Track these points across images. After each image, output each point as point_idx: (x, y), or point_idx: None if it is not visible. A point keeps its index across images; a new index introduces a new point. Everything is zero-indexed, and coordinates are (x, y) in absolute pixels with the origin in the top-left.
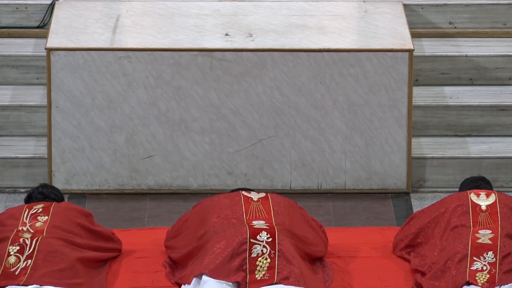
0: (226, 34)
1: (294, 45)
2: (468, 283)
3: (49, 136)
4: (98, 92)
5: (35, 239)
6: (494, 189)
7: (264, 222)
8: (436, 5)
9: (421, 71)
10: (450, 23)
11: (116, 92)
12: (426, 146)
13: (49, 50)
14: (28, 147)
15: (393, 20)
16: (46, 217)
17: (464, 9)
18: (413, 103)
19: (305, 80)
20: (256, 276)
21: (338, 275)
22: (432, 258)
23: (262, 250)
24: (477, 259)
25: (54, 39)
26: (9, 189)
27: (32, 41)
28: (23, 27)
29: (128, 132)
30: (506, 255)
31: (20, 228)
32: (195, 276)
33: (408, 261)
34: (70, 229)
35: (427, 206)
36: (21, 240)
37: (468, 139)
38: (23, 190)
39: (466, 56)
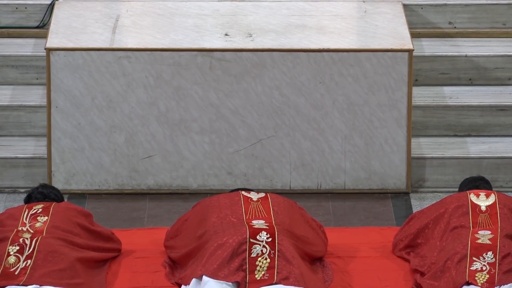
0: (226, 34)
1: (294, 45)
2: (468, 283)
3: (48, 136)
4: (98, 92)
5: (35, 239)
6: (493, 189)
7: (264, 222)
8: (436, 5)
9: (421, 71)
10: (450, 23)
11: (116, 92)
12: (426, 146)
13: (49, 50)
14: (27, 147)
15: (393, 20)
16: (46, 218)
17: (464, 9)
18: (412, 103)
19: (304, 80)
20: (256, 276)
21: (337, 275)
22: (431, 259)
23: (261, 250)
24: (476, 259)
25: (54, 39)
26: (9, 189)
27: (31, 41)
28: (23, 27)
29: (128, 132)
30: (506, 255)
31: (20, 229)
32: (194, 277)
33: (408, 261)
34: (70, 229)
35: (427, 206)
36: (20, 240)
37: (468, 139)
38: (22, 190)
39: (466, 56)
